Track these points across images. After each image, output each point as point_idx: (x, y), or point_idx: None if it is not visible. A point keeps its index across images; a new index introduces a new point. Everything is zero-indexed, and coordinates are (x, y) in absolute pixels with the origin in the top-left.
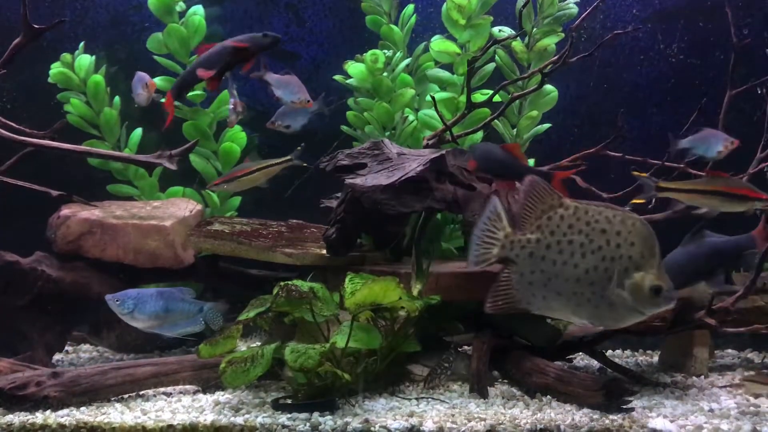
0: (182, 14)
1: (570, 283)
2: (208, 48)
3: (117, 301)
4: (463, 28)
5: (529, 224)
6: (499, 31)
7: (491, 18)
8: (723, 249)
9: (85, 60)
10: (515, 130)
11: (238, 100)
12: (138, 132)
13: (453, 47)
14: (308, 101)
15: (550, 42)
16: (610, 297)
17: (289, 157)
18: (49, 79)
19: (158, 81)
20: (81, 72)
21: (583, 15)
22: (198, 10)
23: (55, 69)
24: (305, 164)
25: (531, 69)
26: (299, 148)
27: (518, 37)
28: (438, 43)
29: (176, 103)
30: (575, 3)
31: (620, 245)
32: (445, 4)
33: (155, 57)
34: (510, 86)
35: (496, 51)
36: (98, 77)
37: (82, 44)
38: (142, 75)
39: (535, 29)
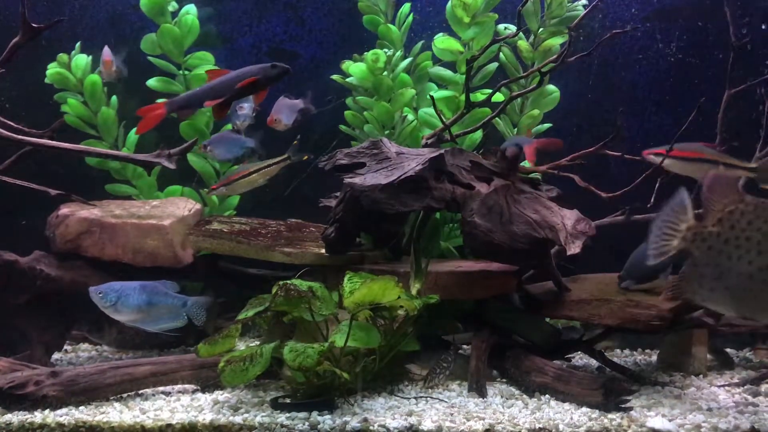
0: (175, 14)
1: (742, 279)
2: (218, 74)
3: (100, 293)
4: (467, 26)
5: (711, 217)
6: (505, 29)
7: (496, 16)
8: None
9: (81, 60)
10: (516, 129)
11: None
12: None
13: (456, 45)
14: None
15: (556, 42)
16: None
17: (286, 156)
18: (46, 80)
19: (153, 82)
20: (78, 72)
21: (583, 14)
22: (191, 9)
23: (52, 69)
24: (306, 157)
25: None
26: (295, 142)
27: (523, 37)
28: (441, 41)
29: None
30: (583, 6)
31: None
32: (449, 1)
33: (150, 58)
34: (512, 84)
35: (501, 50)
36: (95, 77)
37: (78, 44)
38: (104, 51)
39: (541, 29)
